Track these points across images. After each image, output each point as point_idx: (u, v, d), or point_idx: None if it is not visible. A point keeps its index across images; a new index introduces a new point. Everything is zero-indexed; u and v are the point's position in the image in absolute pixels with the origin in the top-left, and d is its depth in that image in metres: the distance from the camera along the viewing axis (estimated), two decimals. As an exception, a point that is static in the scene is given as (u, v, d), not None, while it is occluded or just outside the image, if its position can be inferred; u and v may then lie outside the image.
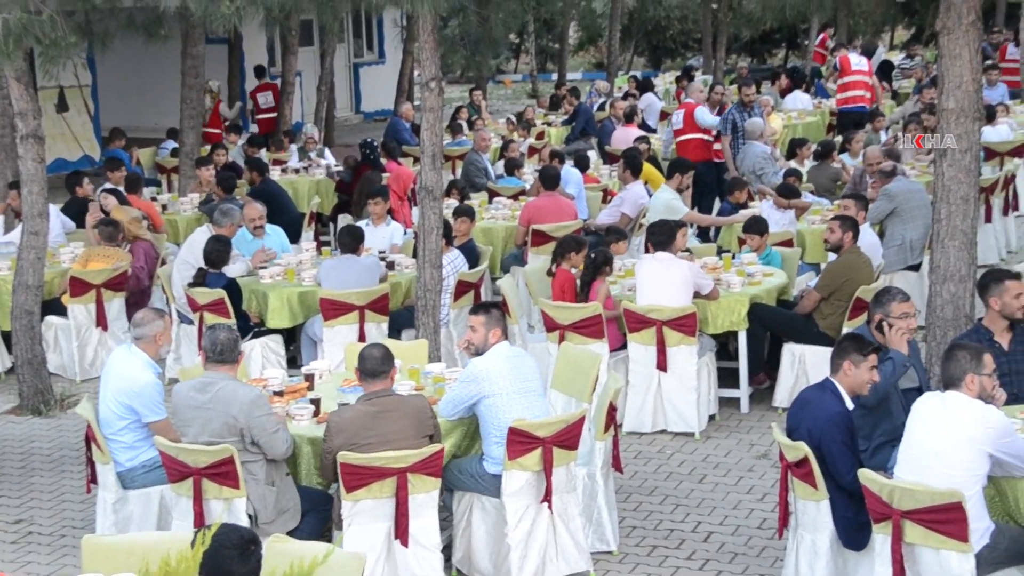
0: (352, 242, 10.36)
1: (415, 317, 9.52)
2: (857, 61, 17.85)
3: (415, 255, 9.65)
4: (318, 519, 6.79)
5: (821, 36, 26.25)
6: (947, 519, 5.64)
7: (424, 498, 6.56)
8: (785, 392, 9.42)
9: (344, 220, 13.80)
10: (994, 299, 7.35)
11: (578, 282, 9.73)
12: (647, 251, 11.44)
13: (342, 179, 15.20)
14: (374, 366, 6.67)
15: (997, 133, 15.50)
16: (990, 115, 15.10)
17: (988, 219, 13.07)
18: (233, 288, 10.08)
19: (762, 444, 8.94)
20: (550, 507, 6.76)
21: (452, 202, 12.70)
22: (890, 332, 7.15)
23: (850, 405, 6.54)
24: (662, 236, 9.55)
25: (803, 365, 9.43)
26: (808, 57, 27.13)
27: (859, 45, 21.56)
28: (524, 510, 6.73)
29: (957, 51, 7.86)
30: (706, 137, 15.06)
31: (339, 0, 9.20)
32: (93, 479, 7.40)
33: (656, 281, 9.32)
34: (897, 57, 26.00)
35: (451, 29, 18.21)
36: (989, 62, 21.35)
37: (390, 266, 10.69)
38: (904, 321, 7.20)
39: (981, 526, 5.76)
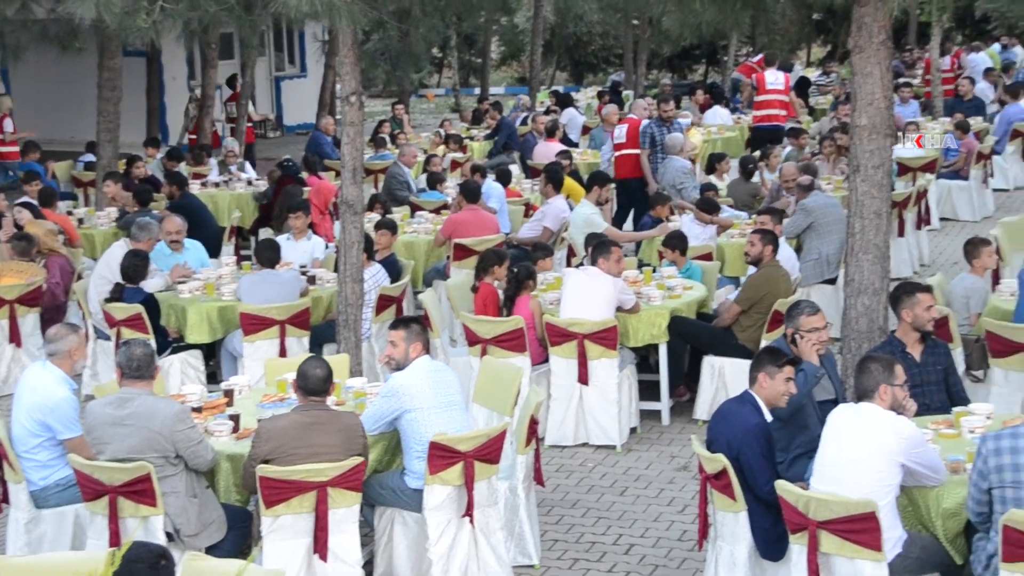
0: (271, 256, 10.29)
1: (336, 331, 9.47)
2: (773, 79, 18.06)
3: (336, 269, 9.61)
4: (238, 536, 6.73)
5: (759, 56, 26.59)
6: (861, 529, 5.74)
7: (344, 513, 6.52)
8: (705, 404, 9.51)
9: (265, 234, 13.71)
10: (906, 311, 7.50)
11: (502, 296, 9.75)
12: (571, 265, 11.55)
13: (265, 195, 15.11)
14: (317, 386, 6.65)
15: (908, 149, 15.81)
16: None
17: (901, 233, 13.31)
18: (151, 303, 9.96)
19: (683, 456, 9.01)
20: (472, 521, 6.75)
21: (374, 216, 12.66)
22: (802, 344, 7.28)
23: (769, 417, 6.63)
24: (598, 252, 9.59)
25: (723, 378, 9.53)
26: (727, 73, 27.46)
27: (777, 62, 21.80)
28: (445, 524, 6.72)
29: (868, 69, 8.01)
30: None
31: (258, 14, 9.13)
32: (4, 499, 7.25)
33: (581, 295, 9.37)
34: (814, 74, 26.43)
35: (372, 43, 18.20)
36: (902, 80, 21.82)
37: (311, 280, 10.63)
38: (814, 334, 7.31)
39: (894, 535, 5.86)
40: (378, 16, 8.81)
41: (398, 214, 13.50)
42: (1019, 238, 11.24)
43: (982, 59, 23.92)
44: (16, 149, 18.57)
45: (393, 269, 11.01)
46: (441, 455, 6.64)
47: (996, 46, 26.60)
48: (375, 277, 10.29)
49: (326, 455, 6.48)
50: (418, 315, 10.66)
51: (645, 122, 15.03)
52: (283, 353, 9.62)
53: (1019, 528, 5.45)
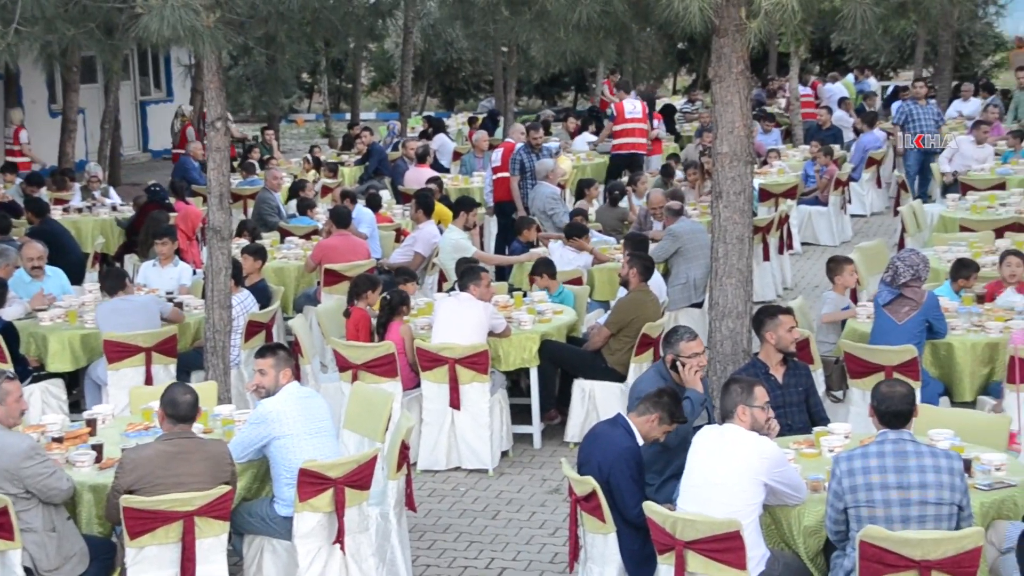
0: (116, 283, 10.04)
1: (204, 358, 9.34)
2: (632, 108, 18.37)
3: (204, 296, 9.49)
4: (100, 568, 6.57)
5: (605, 81, 27.09)
6: (726, 548, 5.85)
7: (212, 542, 6.42)
8: (576, 427, 9.60)
9: (130, 261, 13.45)
10: (769, 333, 7.69)
11: (374, 322, 9.73)
12: (442, 290, 11.58)
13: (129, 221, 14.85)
14: (187, 411, 6.55)
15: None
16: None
17: (766, 257, 13.64)
18: (9, 331, 9.69)
19: (554, 479, 9.08)
20: (342, 548, 6.71)
21: (243, 242, 12.53)
22: (684, 371, 7.36)
23: (640, 441, 6.73)
24: (467, 277, 9.63)
25: (593, 400, 9.64)
26: (595, 100, 27.87)
27: (640, 91, 22.21)
28: (316, 552, 6.67)
29: (728, 98, 8.23)
30: None
31: (119, 38, 8.98)
32: None
33: (452, 320, 9.40)
34: (679, 102, 26.97)
35: (240, 69, 18.04)
36: (764, 108, 22.40)
37: (179, 307, 10.47)
38: (695, 360, 7.43)
39: (757, 553, 5.98)
40: (244, 42, 8.76)
41: (268, 239, 13.38)
42: (875, 262, 11.61)
43: (838, 89, 24.70)
44: (28, 160, 19.19)
45: (263, 295, 10.90)
46: (311, 482, 6.59)
47: (850, 76, 27.50)
48: (243, 303, 10.17)
49: (192, 484, 6.38)
50: (288, 341, 10.59)
51: (516, 148, 15.16)
52: (149, 381, 9.45)
53: (875, 544, 5.62)
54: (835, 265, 9.84)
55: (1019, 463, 6.78)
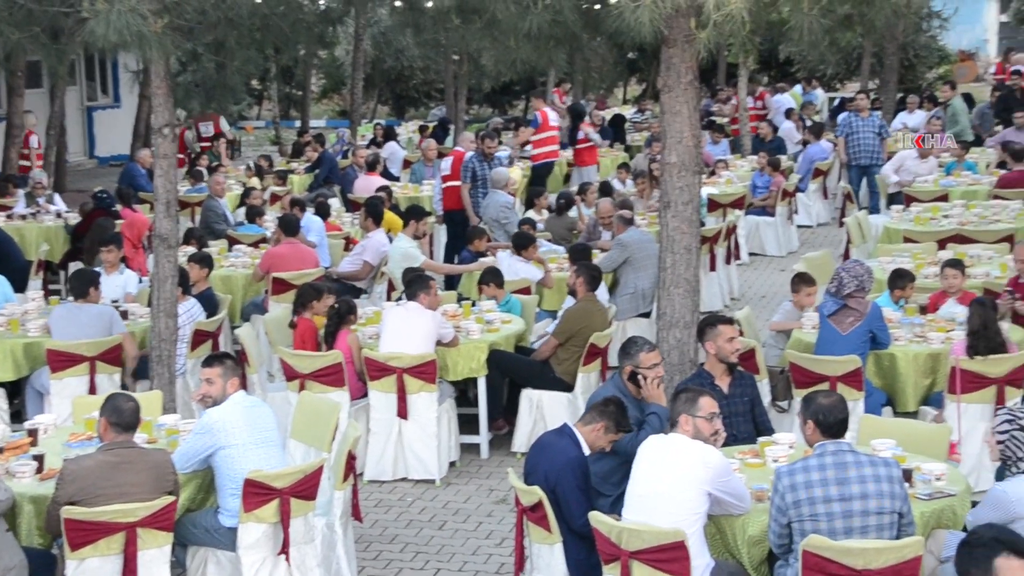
0: (81, 286, 9.96)
1: (149, 367, 9.26)
2: (554, 117, 18.59)
3: (150, 304, 9.41)
4: (41, 581, 6.49)
5: (555, 90, 27.19)
6: (671, 558, 5.87)
7: (155, 554, 6.36)
8: (524, 437, 9.60)
9: (75, 268, 13.31)
10: (710, 343, 7.74)
11: (321, 332, 9.69)
12: (391, 299, 11.55)
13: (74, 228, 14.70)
14: (131, 419, 6.50)
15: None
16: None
17: (713, 268, 13.72)
18: (-49, 340, 9.56)
19: (501, 489, 9.08)
20: (287, 559, 6.67)
21: (190, 249, 12.44)
22: (647, 385, 7.32)
23: (587, 450, 6.74)
24: (415, 286, 9.61)
25: (541, 410, 9.65)
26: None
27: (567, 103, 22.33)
28: (261, 563, 6.63)
29: (677, 108, 8.28)
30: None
31: (65, 43, 8.90)
32: None
33: (400, 329, 9.38)
34: (629, 111, 27.11)
35: (188, 75, 17.93)
36: (713, 119, 22.57)
37: (123, 315, 10.36)
38: (653, 371, 7.41)
39: (702, 563, 6.00)
40: (192, 47, 8.71)
41: (215, 247, 13.29)
42: (821, 273, 11.69)
43: (786, 99, 24.93)
44: (39, 164, 19.75)
45: (209, 303, 10.82)
46: (256, 492, 6.55)
47: (798, 88, 27.77)
48: (190, 312, 10.10)
49: (135, 495, 6.32)
50: (235, 350, 10.51)
51: (468, 156, 15.17)
52: (93, 391, 9.35)
53: (817, 553, 5.66)
54: (796, 283, 9.88)
55: (959, 473, 6.86)
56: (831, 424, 6.04)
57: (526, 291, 11.38)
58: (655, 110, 25.43)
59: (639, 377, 7.35)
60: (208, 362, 7.04)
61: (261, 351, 10.37)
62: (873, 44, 23.72)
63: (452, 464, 9.53)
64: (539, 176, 17.97)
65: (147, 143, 20.39)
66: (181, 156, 22.03)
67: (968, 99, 27.38)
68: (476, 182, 14.82)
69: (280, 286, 11.74)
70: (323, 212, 14.34)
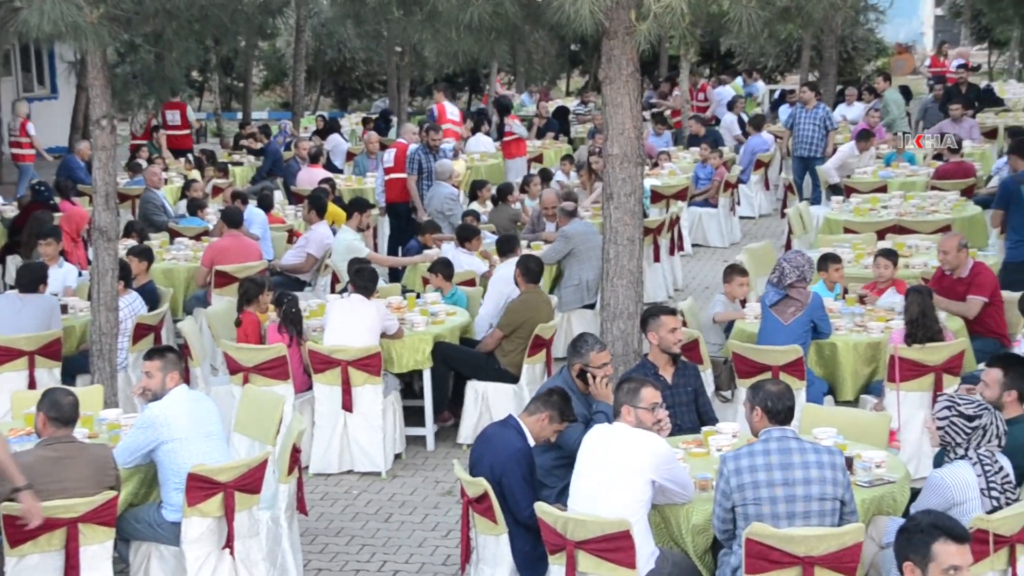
0: (31, 282, 9.82)
1: (90, 362, 9.16)
2: (451, 111, 18.88)
3: (89, 298, 9.30)
4: (-20, 579, 6.41)
5: (495, 79, 27.24)
6: (616, 547, 5.91)
7: (97, 549, 6.31)
8: (469, 429, 9.61)
9: (13, 262, 13.13)
10: (652, 334, 7.79)
11: (266, 326, 9.62)
12: (335, 291, 11.49)
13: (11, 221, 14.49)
14: (71, 413, 6.44)
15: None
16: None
17: (656, 259, 13.79)
18: None
19: (447, 481, 9.08)
20: (232, 553, 6.64)
21: (132, 242, 12.31)
22: (596, 384, 7.34)
23: (532, 442, 6.76)
24: (367, 282, 9.57)
25: (486, 402, 9.66)
26: (490, 100, 27.93)
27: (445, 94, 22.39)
28: (205, 557, 6.59)
29: (619, 100, 8.30)
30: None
31: (-1, 33, 8.78)
32: None
33: (344, 321, 9.35)
34: (572, 103, 27.17)
35: (127, 66, 17.70)
36: (655, 110, 22.67)
37: (63, 309, 10.24)
38: (603, 370, 7.43)
39: (647, 552, 6.05)
40: (129, 38, 8.61)
41: (156, 240, 13.17)
42: (763, 264, 11.81)
43: (727, 92, 25.10)
44: (33, 152, 20.10)
45: (151, 297, 10.72)
46: (200, 486, 6.51)
47: (739, 80, 27.97)
48: (131, 305, 10.00)
49: (76, 490, 6.26)
50: (177, 344, 10.42)
51: (412, 148, 15.14)
52: (32, 385, 9.25)
53: (760, 541, 5.72)
54: (730, 273, 9.97)
55: (898, 460, 6.95)
56: (779, 411, 6.11)
57: (471, 283, 11.38)
58: (598, 102, 25.52)
59: (588, 375, 7.38)
60: (148, 355, 6.99)
61: (204, 345, 10.29)
62: (812, 37, 23.94)
63: (398, 456, 9.52)
64: None
65: (85, 135, 20.19)
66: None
67: (905, 91, 27.74)
68: (421, 174, 14.80)
69: (223, 279, 11.66)
70: (266, 204, 14.25)
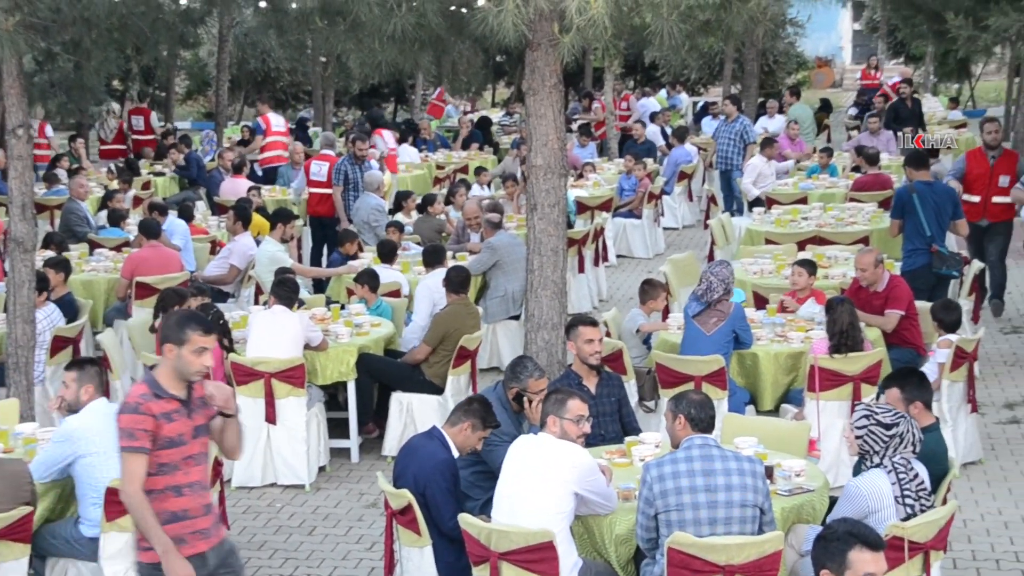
0: None
1: (6, 375, 9.00)
2: (277, 122, 19.29)
3: (6, 310, 9.14)
4: None
5: (438, 90, 27.19)
6: (539, 558, 5.92)
7: (12, 566, 6.21)
8: (394, 440, 9.58)
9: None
10: (570, 344, 7.84)
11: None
12: (258, 303, 11.40)
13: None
14: None
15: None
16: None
17: (581, 269, 13.85)
18: None
19: (372, 493, 9.04)
20: (151, 569, 6.54)
21: (50, 254, 12.11)
22: (530, 408, 7.33)
23: (456, 453, 6.75)
24: (287, 292, 9.51)
25: (411, 413, 9.63)
26: (414, 111, 27.91)
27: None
28: (124, 573, 6.49)
29: (542, 111, 8.34)
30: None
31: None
32: None
33: (267, 333, 9.28)
34: (497, 114, 27.24)
35: (45, 74, 17.45)
36: (581, 121, 22.79)
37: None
38: (539, 395, 7.41)
39: (570, 562, 6.06)
40: (47, 46, 8.49)
41: (76, 251, 12.98)
42: (686, 274, 11.92)
43: (651, 103, 25.31)
44: (49, 153, 19.86)
45: (69, 309, 10.56)
46: (119, 501, 6.38)
47: (663, 92, 28.22)
48: (49, 317, 9.85)
49: (-9, 507, 6.14)
50: (97, 356, 10.27)
51: (340, 159, 15.14)
52: (-54, 399, 9.04)
53: (682, 550, 5.77)
54: (651, 289, 10.03)
55: (818, 469, 7.05)
56: (702, 419, 6.18)
57: (396, 294, 11.35)
58: (523, 113, 25.61)
59: (525, 399, 7.38)
60: (68, 366, 6.91)
61: (124, 357, 10.16)
62: (734, 50, 24.24)
63: (322, 469, 9.46)
64: (268, 179, 18.42)
65: (1, 144, 19.90)
66: (124, 147, 22.13)
67: (825, 104, 28.20)
68: (347, 185, 14.76)
69: (144, 290, 11.51)
70: (187, 215, 14.10)
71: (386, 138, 19.28)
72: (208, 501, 5.60)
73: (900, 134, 18.13)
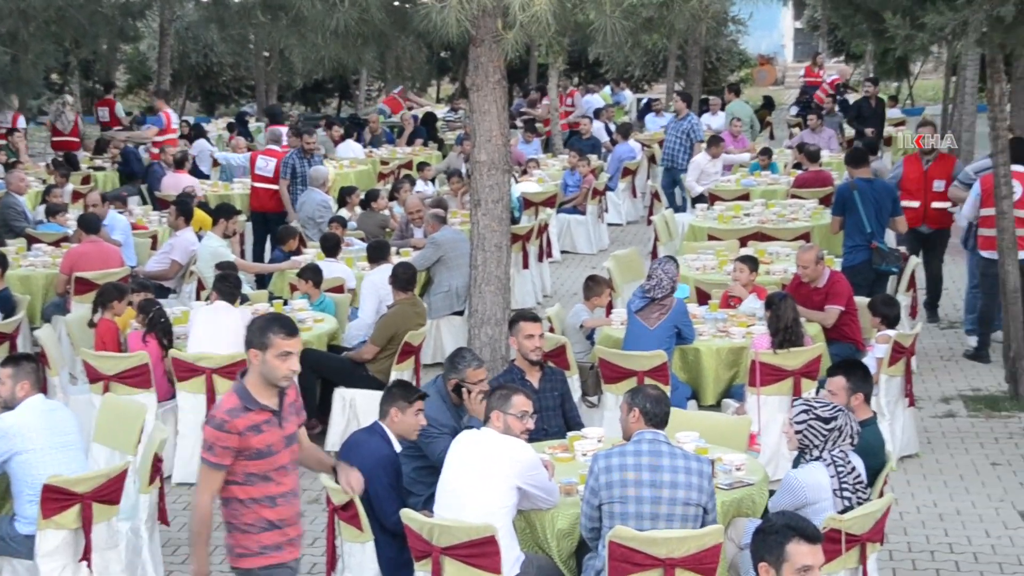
0: None
1: (-59, 372, 8.84)
2: (175, 120, 19.48)
3: (-60, 306, 9.01)
4: None
5: (399, 88, 27.12)
6: (481, 552, 5.93)
7: (-53, 566, 6.11)
8: (337, 436, 9.53)
9: None
10: (513, 340, 7.86)
11: (125, 332, 9.43)
12: (200, 299, 11.31)
13: None
14: None
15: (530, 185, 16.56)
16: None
17: (525, 265, 13.87)
18: None
19: (313, 489, 8.98)
20: (89, 566, 6.50)
21: (-10, 248, 11.96)
22: (470, 399, 7.32)
23: (398, 447, 6.75)
24: (229, 288, 9.45)
25: (354, 409, 9.60)
26: (359, 107, 27.79)
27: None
28: (61, 570, 6.44)
29: (486, 107, 8.34)
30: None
31: None
32: None
33: (209, 329, 9.21)
34: (442, 110, 27.20)
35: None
36: (527, 118, 22.82)
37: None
38: (478, 386, 7.43)
39: (512, 556, 6.08)
40: (-16, 39, 8.37)
41: (13, 246, 12.81)
42: (629, 270, 11.98)
43: (595, 100, 25.39)
44: (76, 139, 20.12)
45: (6, 304, 10.44)
46: (56, 498, 6.35)
47: (607, 88, 28.32)
48: (-15, 313, 9.71)
49: (-75, 505, 6.06)
50: (35, 352, 10.15)
51: (289, 152, 15.10)
52: None
53: (623, 543, 5.80)
54: (595, 285, 10.07)
55: (758, 463, 7.12)
56: (657, 415, 6.22)
57: (339, 290, 11.31)
58: (467, 109, 25.58)
59: (464, 390, 7.39)
60: (4, 362, 6.82)
61: (63, 353, 10.04)
62: (677, 47, 24.38)
63: (263, 465, 9.38)
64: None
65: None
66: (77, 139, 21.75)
67: (768, 102, 28.43)
68: (295, 179, 14.71)
69: (83, 286, 11.38)
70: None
71: (171, 118, 19.25)
72: (298, 509, 5.51)
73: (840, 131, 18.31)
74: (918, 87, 34.29)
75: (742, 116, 20.33)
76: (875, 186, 11.47)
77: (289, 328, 5.32)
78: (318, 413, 9.94)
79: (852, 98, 23.76)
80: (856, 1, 11.17)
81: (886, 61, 30.95)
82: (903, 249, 11.83)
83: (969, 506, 8.43)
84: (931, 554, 7.73)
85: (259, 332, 5.31)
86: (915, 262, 11.50)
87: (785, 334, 8.71)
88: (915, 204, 12.19)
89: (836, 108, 21.33)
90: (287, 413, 5.39)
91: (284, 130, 17.93)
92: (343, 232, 12.84)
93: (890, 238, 11.78)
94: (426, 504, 6.86)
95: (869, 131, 18.95)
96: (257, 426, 5.25)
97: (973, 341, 11.79)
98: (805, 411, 6.29)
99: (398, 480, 6.66)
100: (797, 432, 6.30)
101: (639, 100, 29.77)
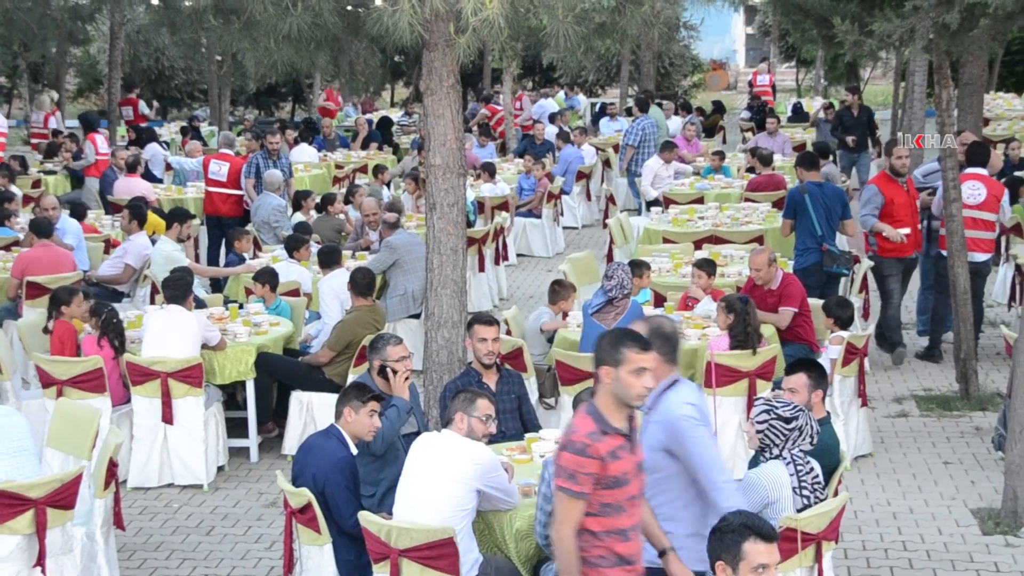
0: None
1: None
2: (103, 144, 19.00)
3: None
4: None
5: (326, 91, 27.03)
6: (439, 555, 5.95)
7: (-101, 574, 6.04)
8: (294, 439, 9.52)
9: None
10: (468, 342, 7.90)
11: (81, 335, 9.37)
12: (154, 303, 11.23)
13: None
14: None
15: (491, 189, 16.60)
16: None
17: (481, 268, 13.89)
18: None
19: (271, 492, 8.98)
20: (44, 571, 6.43)
21: (-65, 254, 11.82)
22: (395, 379, 7.40)
23: (354, 450, 6.75)
24: (177, 290, 9.41)
25: (311, 412, 9.58)
26: (312, 111, 27.71)
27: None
28: (14, 577, 6.37)
29: (440, 111, 8.35)
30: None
31: None
32: None
33: (163, 332, 9.17)
34: (397, 114, 27.17)
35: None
36: (481, 122, 22.86)
37: None
38: (402, 363, 7.49)
39: (471, 558, 6.09)
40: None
41: (-38, 251, 12.66)
42: (585, 273, 12.03)
43: (550, 104, 25.46)
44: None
45: (-45, 310, 10.31)
46: (8, 503, 6.29)
47: (562, 93, 28.40)
48: (-64, 318, 9.60)
49: None
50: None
51: (254, 153, 15.12)
52: None
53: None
54: (561, 289, 10.12)
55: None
56: None
57: (295, 293, 11.28)
58: (422, 113, 25.56)
59: (388, 370, 7.41)
60: (-44, 369, 6.74)
61: (15, 358, 9.95)
62: (631, 52, 24.49)
63: (221, 468, 9.37)
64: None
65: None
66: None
67: (719, 106, 28.64)
68: (259, 179, 14.71)
69: (35, 290, 11.29)
70: (79, 213, 13.84)
71: (98, 143, 18.95)
72: (641, 543, 5.14)
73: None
74: (868, 92, 34.66)
75: (660, 122, 20.39)
76: (825, 190, 11.58)
77: (643, 343, 4.99)
78: (275, 416, 9.92)
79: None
80: (806, 7, 11.28)
81: (836, 67, 31.29)
82: (854, 251, 11.93)
83: (922, 504, 8.54)
84: (885, 552, 7.83)
85: (611, 347, 4.97)
86: (867, 265, 11.62)
87: (747, 336, 8.80)
88: (907, 231, 11.30)
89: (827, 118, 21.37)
90: (637, 438, 5.07)
91: (232, 135, 17.84)
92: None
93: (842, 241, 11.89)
94: (383, 499, 6.87)
95: (850, 139, 19.07)
96: (614, 451, 4.92)
97: (925, 342, 11.94)
98: (766, 411, 6.34)
99: (355, 483, 6.66)
100: (758, 432, 6.33)
101: (593, 104, 29.88)
